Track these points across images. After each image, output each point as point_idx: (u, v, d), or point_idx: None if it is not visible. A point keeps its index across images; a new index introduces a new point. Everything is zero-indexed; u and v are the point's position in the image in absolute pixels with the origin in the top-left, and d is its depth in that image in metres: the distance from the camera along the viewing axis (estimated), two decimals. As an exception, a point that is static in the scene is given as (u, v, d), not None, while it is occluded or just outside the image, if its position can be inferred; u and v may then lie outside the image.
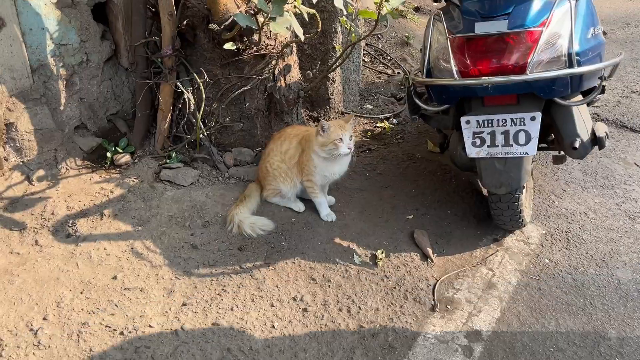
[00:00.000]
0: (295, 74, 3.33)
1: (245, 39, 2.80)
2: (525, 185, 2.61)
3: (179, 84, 3.01)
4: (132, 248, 2.66)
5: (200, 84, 3.01)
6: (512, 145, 2.42)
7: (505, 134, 2.42)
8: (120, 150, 3.20)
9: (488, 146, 2.47)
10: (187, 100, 3.05)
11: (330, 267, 2.62)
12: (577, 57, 2.21)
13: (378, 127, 4.23)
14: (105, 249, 2.64)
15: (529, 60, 2.20)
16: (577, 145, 2.41)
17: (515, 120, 2.38)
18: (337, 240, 2.80)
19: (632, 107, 4.38)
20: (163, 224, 2.82)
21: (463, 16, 2.42)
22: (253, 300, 2.41)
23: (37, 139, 2.93)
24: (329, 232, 2.86)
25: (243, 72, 3.09)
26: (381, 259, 2.68)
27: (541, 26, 2.22)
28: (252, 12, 2.34)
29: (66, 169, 3.09)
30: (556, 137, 2.62)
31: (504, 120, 2.41)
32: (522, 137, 2.39)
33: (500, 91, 2.32)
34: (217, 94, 3.13)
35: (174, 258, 2.62)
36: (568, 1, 2.25)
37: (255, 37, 2.78)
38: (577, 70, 2.19)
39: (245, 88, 3.10)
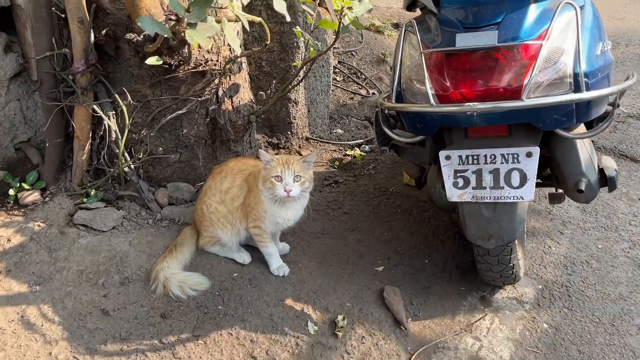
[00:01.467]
0: (245, 95, 2.84)
1: (175, 52, 2.31)
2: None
3: (96, 107, 2.49)
4: (22, 316, 2.10)
5: (124, 107, 2.50)
6: (503, 188, 1.95)
7: (495, 173, 1.95)
8: (27, 187, 2.66)
9: (473, 188, 2.00)
10: (107, 126, 2.53)
11: (276, 340, 2.10)
12: (585, 79, 1.77)
13: (348, 155, 3.76)
14: (-13, 318, 2.08)
15: (525, 82, 1.75)
16: (582, 187, 1.95)
17: (507, 156, 1.92)
18: (289, 301, 2.29)
19: (631, 134, 3.98)
20: (70, 282, 2.28)
21: (441, 27, 1.97)
22: (171, 390, 1.87)
23: None
24: (279, 290, 2.35)
25: (179, 93, 2.59)
26: (342, 327, 2.17)
27: (539, 39, 1.77)
28: (172, 17, 1.85)
29: (-44, 209, 2.54)
30: (556, 174, 2.17)
31: (492, 157, 1.94)
32: (515, 178, 1.93)
33: (489, 121, 1.86)
34: (147, 118, 2.62)
35: (76, 329, 2.08)
36: (572, 8, 1.81)
37: (186, 50, 2.29)
38: (585, 95, 1.73)
39: (181, 112, 2.60)
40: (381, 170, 3.54)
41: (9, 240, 2.43)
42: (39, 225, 2.51)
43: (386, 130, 2.22)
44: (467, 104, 1.77)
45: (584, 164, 1.98)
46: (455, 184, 2.02)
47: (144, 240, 2.54)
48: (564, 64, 1.78)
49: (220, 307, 2.23)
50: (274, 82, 3.57)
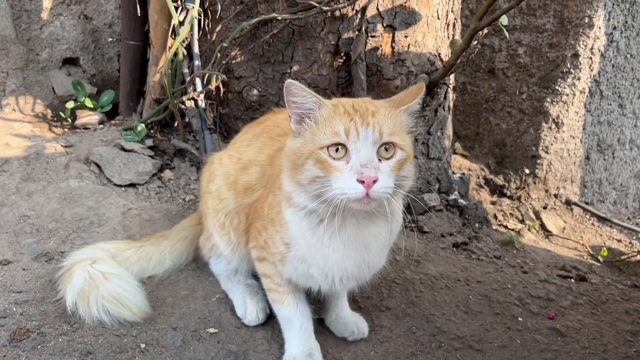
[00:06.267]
0: (426, 40, 1.61)
1: None
2: None
3: None
4: None
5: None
6: None
7: None
8: (90, 105, 2.00)
9: None
10: (173, 26, 1.66)
11: None
12: None
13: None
14: None
15: None
16: None
17: None
18: None
19: None
20: (-5, 224, 1.44)
21: None
22: None
23: (-24, 45, 1.97)
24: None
25: (298, -5, 1.55)
26: None
27: None
28: None
29: (13, 109, 2.05)
30: None
31: None
32: None
33: None
34: (241, 33, 1.64)
35: None
36: None
37: None
38: None
39: (276, 28, 1.53)
40: None
41: (10, 149, 1.76)
42: (55, 149, 1.79)
43: None
44: None
45: None
46: None
47: (146, 215, 1.53)
48: None
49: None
50: (530, 82, 2.16)
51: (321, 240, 1.01)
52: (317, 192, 0.94)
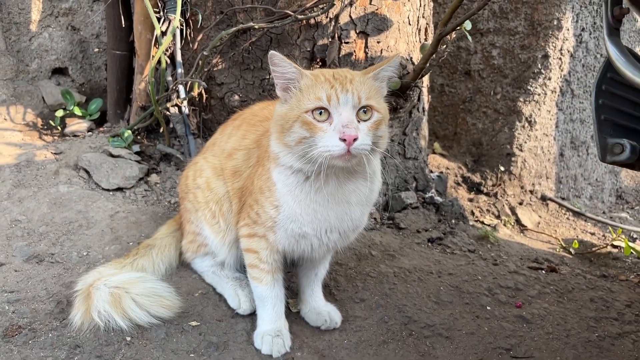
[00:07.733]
0: (398, 44, 1.68)
1: None
2: None
3: (148, 3, 1.70)
4: None
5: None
6: None
7: None
8: (79, 113, 2.07)
9: None
10: (156, 35, 1.73)
11: None
12: None
13: (609, 244, 2.08)
14: None
15: None
16: None
17: None
18: None
19: None
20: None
21: None
22: None
23: (-34, 57, 2.04)
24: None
25: (276, 4, 1.63)
26: None
27: None
28: None
29: (4, 118, 2.11)
30: None
31: None
32: None
33: None
34: (221, 42, 1.72)
35: None
36: None
37: None
38: None
39: (260, 31, 1.60)
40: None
41: (1, 157, 1.83)
42: (45, 156, 1.86)
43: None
44: None
45: None
46: None
47: (133, 218, 1.60)
48: None
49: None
50: (503, 83, 2.24)
51: (309, 195, 1.12)
52: (303, 152, 1.06)
